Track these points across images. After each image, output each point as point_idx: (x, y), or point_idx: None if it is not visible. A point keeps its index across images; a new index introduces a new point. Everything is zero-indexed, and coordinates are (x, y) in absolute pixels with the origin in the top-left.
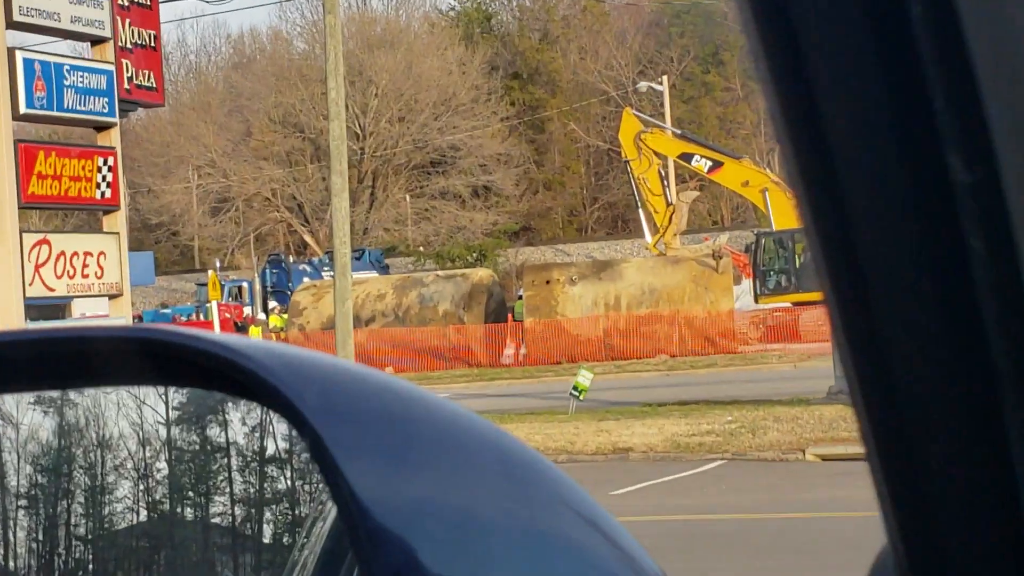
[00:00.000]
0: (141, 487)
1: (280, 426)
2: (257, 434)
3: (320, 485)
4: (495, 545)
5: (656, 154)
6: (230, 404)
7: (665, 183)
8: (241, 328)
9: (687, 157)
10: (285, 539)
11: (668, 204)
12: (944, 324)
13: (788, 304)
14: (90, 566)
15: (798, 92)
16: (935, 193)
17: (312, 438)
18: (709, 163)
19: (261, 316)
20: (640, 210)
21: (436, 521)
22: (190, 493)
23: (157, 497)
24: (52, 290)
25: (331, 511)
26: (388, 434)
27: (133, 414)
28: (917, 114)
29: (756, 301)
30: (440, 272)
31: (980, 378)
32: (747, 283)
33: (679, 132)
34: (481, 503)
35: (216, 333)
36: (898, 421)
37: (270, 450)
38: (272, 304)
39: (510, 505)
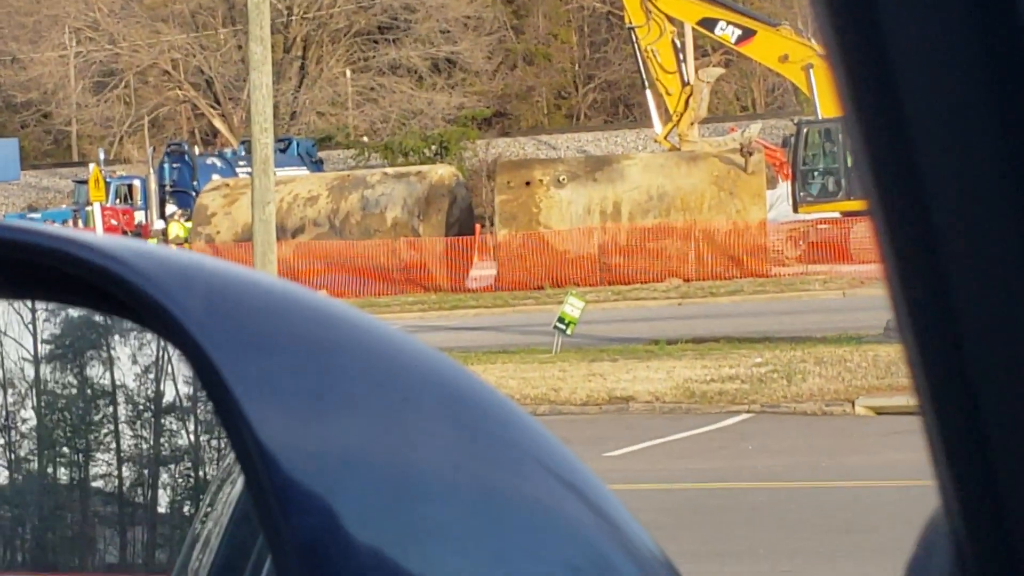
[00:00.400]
0: (1, 441)
1: (182, 367)
2: (152, 375)
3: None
4: (438, 509)
5: (670, 19)
6: (116, 337)
7: (681, 57)
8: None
9: (709, 24)
10: (186, 508)
11: (684, 84)
12: (1021, 235)
13: (836, 214)
14: None
15: None
16: (1016, 64)
17: (202, 365)
18: (738, 31)
19: (158, 224)
20: (648, 92)
21: (363, 478)
22: (65, 449)
23: (22, 454)
24: None
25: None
26: (305, 365)
27: None
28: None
29: (795, 210)
30: (389, 169)
31: None
32: (784, 187)
33: None
34: (422, 456)
35: (78, 231)
36: (959, 360)
37: (168, 396)
38: (172, 208)
39: (460, 459)
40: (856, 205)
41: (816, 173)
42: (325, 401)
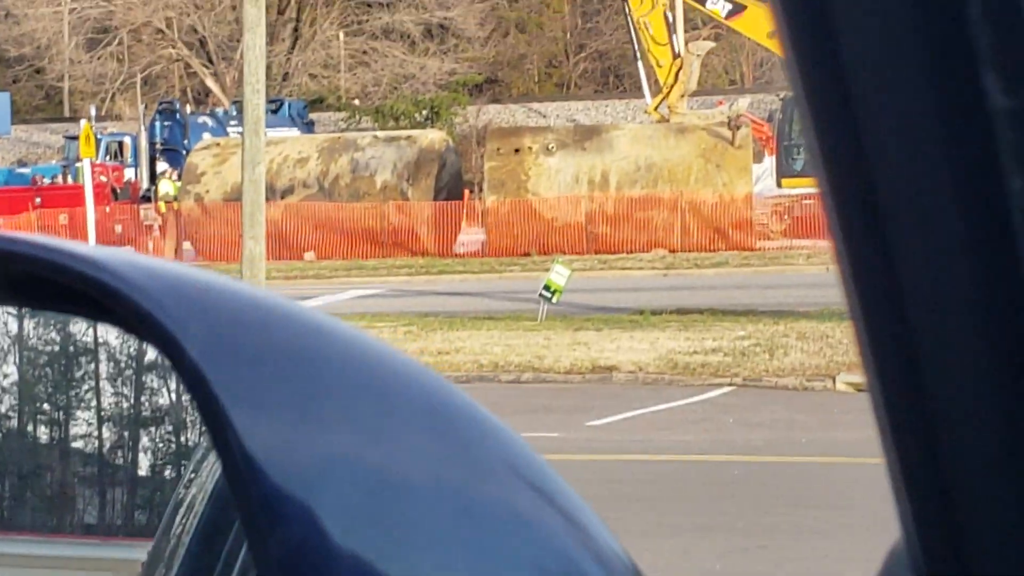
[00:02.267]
0: None
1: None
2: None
3: None
4: (419, 516)
5: None
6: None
7: (672, 29)
8: (119, 195)
9: None
10: (167, 472)
11: (675, 56)
12: (977, 275)
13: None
14: None
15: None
16: (968, 122)
17: (194, 379)
18: (728, 6)
19: (155, 181)
20: (639, 63)
21: (346, 487)
22: (45, 406)
23: (2, 410)
24: None
25: None
26: (290, 375)
27: None
28: (947, 26)
29: (779, 184)
30: (379, 133)
31: (1017, 328)
32: (770, 161)
33: None
34: (404, 466)
35: (70, 242)
36: (912, 357)
37: (150, 355)
38: (162, 166)
39: (440, 469)
40: None
41: (800, 148)
42: (310, 412)
